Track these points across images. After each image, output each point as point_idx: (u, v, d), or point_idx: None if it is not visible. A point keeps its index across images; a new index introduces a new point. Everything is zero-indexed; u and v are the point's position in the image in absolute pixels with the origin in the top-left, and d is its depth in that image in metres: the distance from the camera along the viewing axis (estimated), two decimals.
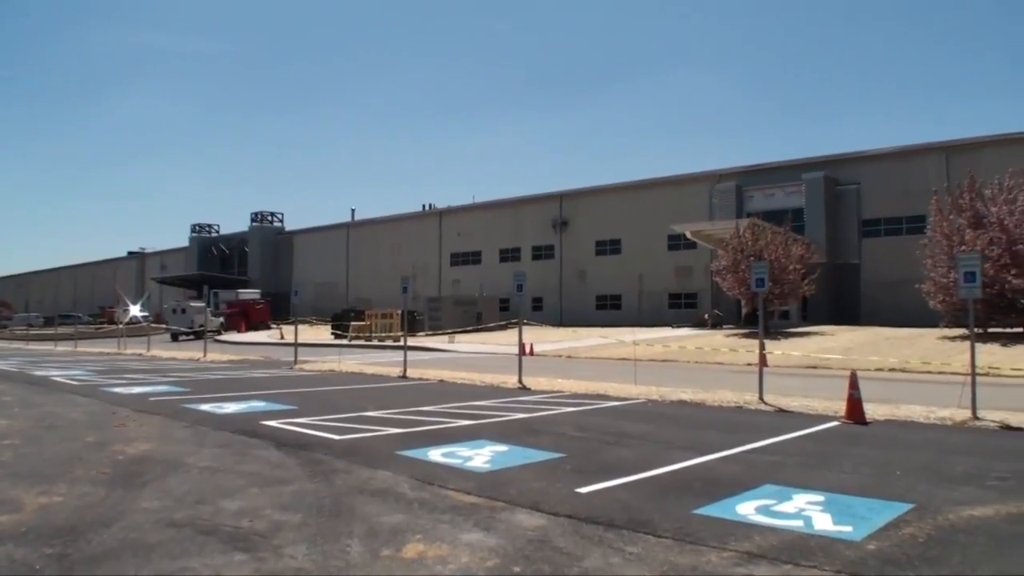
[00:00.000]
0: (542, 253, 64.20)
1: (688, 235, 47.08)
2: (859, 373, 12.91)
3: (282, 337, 47.32)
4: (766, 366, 17.03)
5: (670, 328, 45.63)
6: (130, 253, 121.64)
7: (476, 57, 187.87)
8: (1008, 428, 11.38)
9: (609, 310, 58.26)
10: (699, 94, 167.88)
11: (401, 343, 25.00)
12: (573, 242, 61.84)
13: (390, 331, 46.04)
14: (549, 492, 7.22)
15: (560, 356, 31.39)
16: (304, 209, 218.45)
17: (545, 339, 37.47)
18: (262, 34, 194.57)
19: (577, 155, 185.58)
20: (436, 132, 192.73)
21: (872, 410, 12.66)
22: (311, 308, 67.11)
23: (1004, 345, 27.03)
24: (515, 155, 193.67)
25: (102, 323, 76.00)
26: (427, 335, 45.36)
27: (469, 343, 40.15)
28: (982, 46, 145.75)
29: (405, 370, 21.71)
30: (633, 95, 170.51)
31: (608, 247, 59.90)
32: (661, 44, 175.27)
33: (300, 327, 33.23)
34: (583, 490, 7.31)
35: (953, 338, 28.79)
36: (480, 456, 9.07)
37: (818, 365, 23.78)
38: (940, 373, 20.78)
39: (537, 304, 61.36)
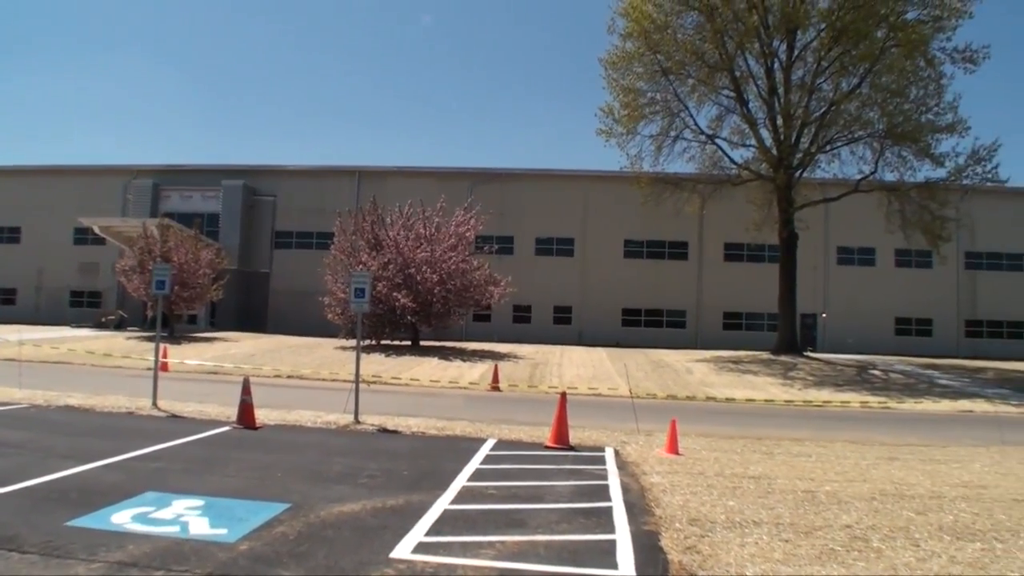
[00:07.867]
0: None
1: (96, 230, 43.80)
2: (258, 379, 13.26)
3: None
4: (166, 371, 16.50)
5: (69, 328, 41.80)
6: None
7: None
8: (384, 431, 12.71)
9: (2, 306, 50.86)
10: (128, 83, 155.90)
11: None
12: None
13: None
14: None
15: None
16: None
17: None
18: None
19: None
20: None
21: (265, 415, 13.09)
22: None
23: (390, 356, 30.22)
24: None
25: None
26: None
27: None
28: (399, 84, 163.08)
29: None
30: (51, 73, 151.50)
31: (5, 236, 52.36)
32: (93, 20, 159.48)
33: None
34: None
35: (347, 348, 31.26)
36: None
37: (219, 371, 23.74)
38: (333, 380, 22.34)
39: None
